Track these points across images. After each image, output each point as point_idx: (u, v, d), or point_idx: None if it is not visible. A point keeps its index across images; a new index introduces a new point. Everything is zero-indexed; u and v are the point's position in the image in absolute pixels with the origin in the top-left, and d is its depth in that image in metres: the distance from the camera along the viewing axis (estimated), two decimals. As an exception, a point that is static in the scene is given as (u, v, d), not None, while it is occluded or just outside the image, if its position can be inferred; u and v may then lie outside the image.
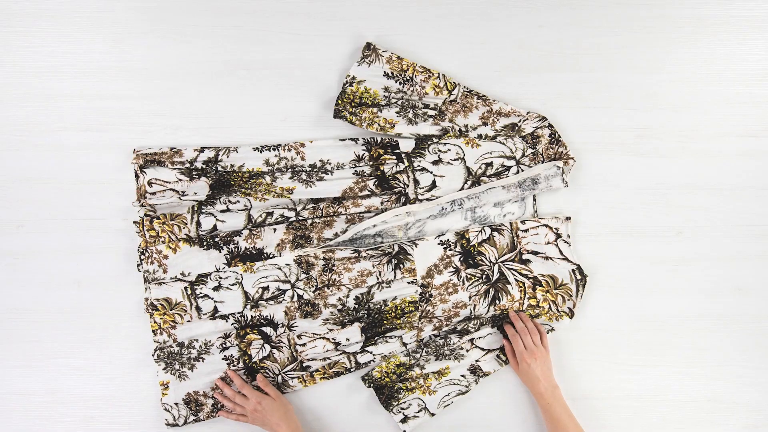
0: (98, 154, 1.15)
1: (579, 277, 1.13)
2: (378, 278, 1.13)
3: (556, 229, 1.14)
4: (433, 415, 1.13)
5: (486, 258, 1.15)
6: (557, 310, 1.14)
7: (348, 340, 1.12)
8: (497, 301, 1.15)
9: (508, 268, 1.15)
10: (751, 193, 1.19)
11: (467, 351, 1.13)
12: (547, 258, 1.14)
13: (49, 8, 1.14)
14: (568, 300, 1.14)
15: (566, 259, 1.14)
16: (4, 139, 1.14)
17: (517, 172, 1.16)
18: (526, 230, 1.15)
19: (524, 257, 1.15)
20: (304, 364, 1.12)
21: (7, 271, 1.15)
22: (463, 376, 1.13)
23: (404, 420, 1.12)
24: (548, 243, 1.14)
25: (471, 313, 1.15)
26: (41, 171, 1.15)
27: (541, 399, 1.08)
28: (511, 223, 1.15)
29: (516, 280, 1.15)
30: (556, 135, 1.16)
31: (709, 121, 1.19)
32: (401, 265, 1.13)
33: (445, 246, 1.14)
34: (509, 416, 1.16)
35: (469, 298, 1.14)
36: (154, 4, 1.15)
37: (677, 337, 1.18)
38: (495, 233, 1.14)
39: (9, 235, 1.15)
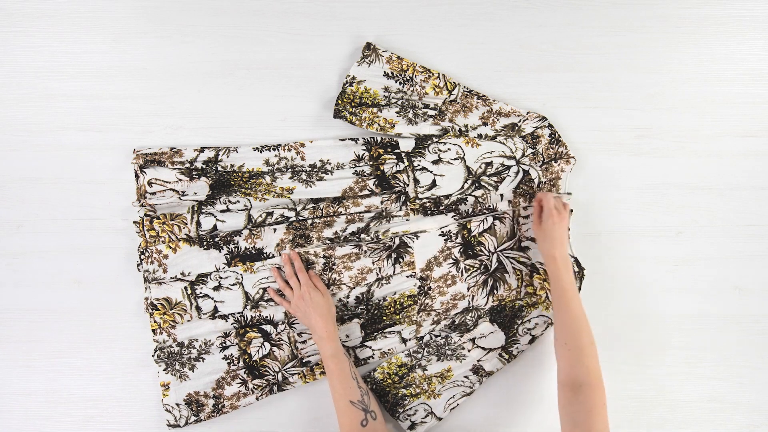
0: (98, 154, 1.15)
1: (576, 269, 1.13)
2: (378, 274, 1.13)
3: None
4: (440, 419, 1.13)
5: (485, 248, 1.15)
6: None
7: (347, 336, 1.13)
8: (495, 291, 1.15)
9: (506, 257, 1.15)
10: (751, 193, 1.19)
11: (468, 351, 1.13)
12: None
13: (49, 8, 1.14)
14: None
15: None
16: (4, 139, 1.14)
17: (518, 172, 1.16)
18: (527, 216, 1.15)
19: (523, 244, 1.15)
20: (303, 360, 1.12)
21: (7, 271, 1.15)
22: (466, 377, 1.13)
23: (412, 427, 1.12)
24: None
25: (469, 304, 1.15)
26: (41, 171, 1.15)
27: (553, 263, 1.05)
28: (513, 210, 1.15)
29: (513, 268, 1.15)
30: (556, 135, 1.16)
31: (709, 121, 1.19)
32: (401, 259, 1.13)
33: (446, 237, 1.14)
34: (512, 416, 1.16)
35: (468, 289, 1.14)
36: (154, 4, 1.15)
37: (677, 337, 1.18)
38: (497, 222, 1.14)
39: (9, 235, 1.15)
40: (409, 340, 1.14)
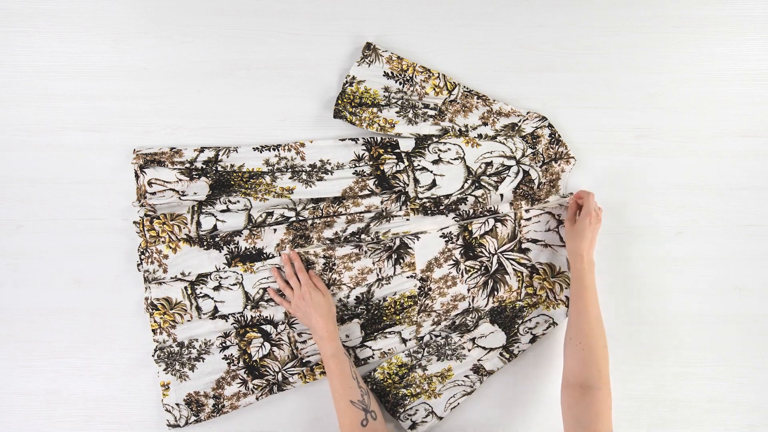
0: (98, 154, 1.15)
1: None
2: (378, 275, 1.13)
3: (558, 215, 1.15)
4: (441, 418, 1.13)
5: (486, 249, 1.15)
6: (554, 298, 1.14)
7: (348, 336, 1.13)
8: (495, 292, 1.15)
9: (507, 258, 1.15)
10: (751, 193, 1.19)
11: (469, 351, 1.13)
12: (546, 246, 1.15)
13: (49, 8, 1.14)
14: (566, 288, 1.14)
15: (565, 246, 1.14)
16: (4, 139, 1.14)
17: (518, 172, 1.16)
18: (529, 219, 1.15)
19: (523, 246, 1.15)
20: (303, 360, 1.12)
21: (7, 271, 1.15)
22: (466, 376, 1.14)
23: (413, 426, 1.12)
24: (549, 230, 1.15)
25: (470, 305, 1.15)
26: (41, 171, 1.15)
27: (579, 261, 1.05)
28: (515, 213, 1.15)
29: (514, 270, 1.15)
30: (556, 135, 1.16)
31: (709, 121, 1.19)
32: (401, 260, 1.13)
33: (447, 239, 1.14)
34: (513, 415, 1.16)
35: (468, 290, 1.14)
36: (154, 4, 1.15)
37: (677, 337, 1.18)
38: (498, 224, 1.14)
39: (9, 235, 1.15)
40: (409, 340, 1.14)
